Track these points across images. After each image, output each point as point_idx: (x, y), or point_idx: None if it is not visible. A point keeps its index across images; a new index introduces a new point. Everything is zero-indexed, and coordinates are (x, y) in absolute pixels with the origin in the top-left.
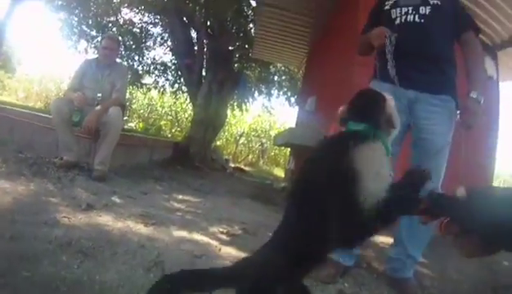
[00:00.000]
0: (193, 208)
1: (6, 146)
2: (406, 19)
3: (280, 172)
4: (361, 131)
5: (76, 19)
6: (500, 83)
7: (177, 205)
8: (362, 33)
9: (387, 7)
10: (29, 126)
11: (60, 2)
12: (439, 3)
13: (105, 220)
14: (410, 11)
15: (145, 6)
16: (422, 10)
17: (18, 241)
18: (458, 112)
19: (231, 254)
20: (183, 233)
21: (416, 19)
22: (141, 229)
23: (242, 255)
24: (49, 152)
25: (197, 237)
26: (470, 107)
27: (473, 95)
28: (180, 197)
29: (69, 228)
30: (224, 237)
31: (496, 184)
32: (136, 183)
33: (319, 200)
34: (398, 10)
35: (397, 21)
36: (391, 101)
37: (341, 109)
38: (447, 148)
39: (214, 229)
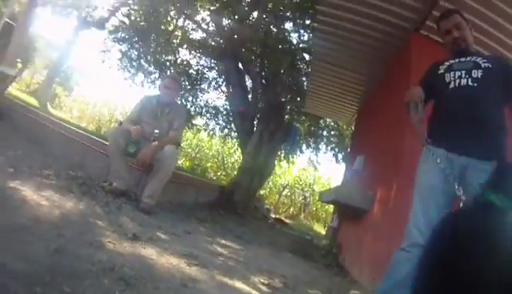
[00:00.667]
0: (235, 255)
1: (58, 162)
2: (459, 83)
3: (320, 228)
4: None
5: (136, 53)
6: None
7: (219, 249)
8: None
9: (441, 71)
10: (82, 147)
11: (122, 34)
12: (490, 66)
13: (149, 252)
14: (463, 75)
15: (202, 50)
16: (474, 73)
17: (62, 256)
18: None
19: None
20: (225, 279)
21: (470, 82)
22: (185, 268)
23: None
24: (99, 175)
25: (238, 285)
26: None
27: None
28: (222, 241)
29: (114, 254)
30: (265, 288)
31: None
32: (180, 221)
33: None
34: (452, 73)
35: (451, 85)
36: None
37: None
38: None
39: (255, 279)
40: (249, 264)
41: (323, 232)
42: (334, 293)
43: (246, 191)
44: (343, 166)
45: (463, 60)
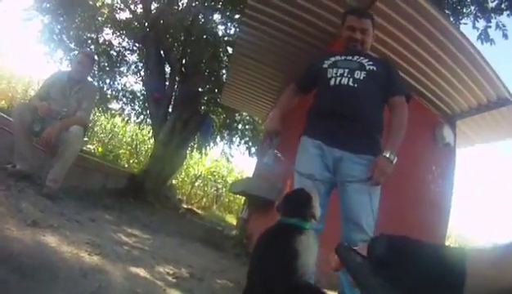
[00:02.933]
0: (140, 244)
1: None
2: (340, 81)
3: (232, 219)
4: (295, 224)
5: (59, 26)
6: (458, 149)
7: (124, 238)
8: (296, 82)
9: (325, 66)
10: None
11: (47, 5)
12: (375, 69)
13: (49, 240)
14: (345, 74)
15: (126, 31)
16: (357, 74)
17: None
18: None
19: None
20: (128, 269)
21: (350, 83)
22: (85, 257)
23: None
24: (2, 156)
25: (142, 274)
26: (380, 165)
27: (387, 154)
28: (129, 230)
29: (11, 242)
30: (170, 278)
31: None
32: (85, 208)
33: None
34: (335, 70)
35: (332, 82)
36: (316, 200)
37: (277, 204)
38: (374, 199)
39: (160, 269)
40: (154, 253)
41: (235, 223)
42: (243, 283)
43: (156, 179)
44: (255, 159)
45: (349, 58)
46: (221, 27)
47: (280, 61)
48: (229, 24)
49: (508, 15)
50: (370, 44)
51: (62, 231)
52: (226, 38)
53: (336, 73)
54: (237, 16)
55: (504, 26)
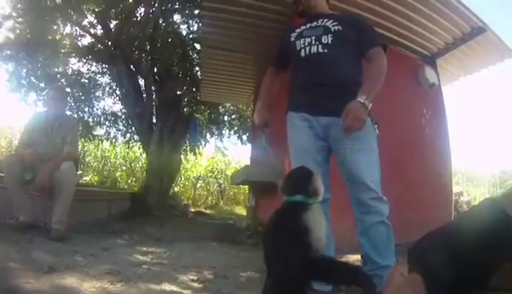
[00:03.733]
0: (158, 259)
1: None
2: (310, 50)
3: (241, 210)
4: (300, 201)
5: (25, 70)
6: (444, 87)
7: (141, 258)
8: (272, 63)
9: (292, 39)
10: None
11: (8, 52)
12: (340, 28)
13: (70, 282)
14: (313, 42)
15: (92, 56)
16: (324, 39)
17: None
18: (376, 126)
19: None
20: (153, 286)
21: (320, 49)
22: (109, 287)
23: None
24: (2, 214)
25: (168, 289)
26: (354, 110)
27: (361, 99)
28: (144, 249)
29: (32, 293)
30: (195, 285)
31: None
32: (97, 239)
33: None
34: (302, 41)
35: (302, 53)
36: (317, 175)
37: (281, 184)
38: (372, 155)
39: (184, 278)
40: (174, 264)
41: (245, 213)
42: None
43: (158, 192)
44: (249, 146)
45: (313, 25)
46: (183, 26)
47: (247, 45)
48: (190, 21)
49: None
50: (320, 2)
51: (80, 269)
52: (191, 36)
53: (304, 44)
54: (197, 12)
55: None
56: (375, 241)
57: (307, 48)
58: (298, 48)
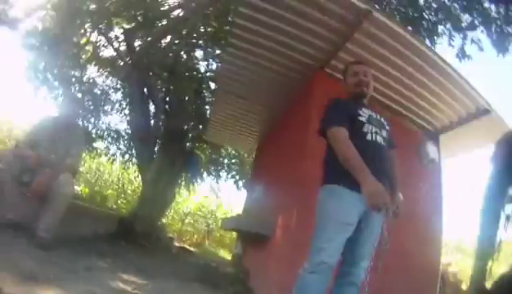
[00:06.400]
0: (139, 291)
1: None
2: (375, 138)
3: (225, 254)
4: None
5: (43, 64)
6: (442, 161)
7: (122, 285)
8: (342, 124)
9: (362, 118)
10: None
11: (33, 41)
12: (388, 129)
13: None
14: (378, 132)
15: (110, 69)
16: (383, 133)
17: None
18: None
19: None
20: None
21: (382, 142)
22: None
23: None
24: None
25: None
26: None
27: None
28: (125, 277)
29: None
30: None
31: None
32: (80, 256)
33: None
34: (370, 127)
35: (368, 137)
36: None
37: None
38: None
39: None
40: None
41: (229, 258)
42: None
43: (147, 221)
44: (244, 192)
45: (374, 116)
46: (202, 63)
47: (261, 95)
48: (210, 59)
49: (482, 31)
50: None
51: (61, 283)
52: (208, 74)
53: (371, 130)
54: (218, 52)
55: (479, 40)
56: None
57: (374, 135)
58: (365, 130)
